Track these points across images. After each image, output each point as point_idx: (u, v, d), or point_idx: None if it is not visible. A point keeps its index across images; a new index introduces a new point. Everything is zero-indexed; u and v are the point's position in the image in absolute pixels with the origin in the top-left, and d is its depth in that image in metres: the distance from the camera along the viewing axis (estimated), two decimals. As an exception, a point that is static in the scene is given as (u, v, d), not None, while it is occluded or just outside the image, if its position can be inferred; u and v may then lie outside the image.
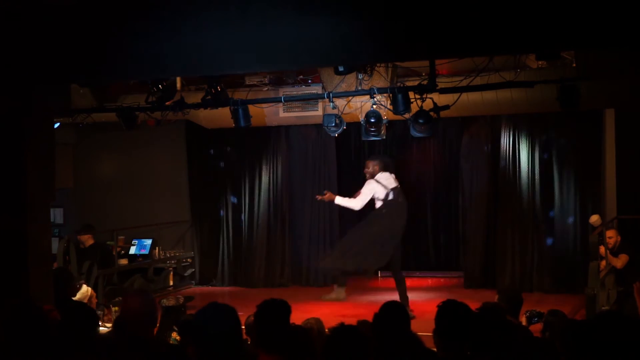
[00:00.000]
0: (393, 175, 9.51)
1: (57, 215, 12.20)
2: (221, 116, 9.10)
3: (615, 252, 8.50)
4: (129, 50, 5.80)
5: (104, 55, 5.83)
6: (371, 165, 9.47)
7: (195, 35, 5.57)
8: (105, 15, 5.77)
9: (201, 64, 5.77)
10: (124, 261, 10.69)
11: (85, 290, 7.34)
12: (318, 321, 4.89)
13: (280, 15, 5.34)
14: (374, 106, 7.92)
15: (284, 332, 3.52)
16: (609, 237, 8.53)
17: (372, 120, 7.96)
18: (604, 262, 8.43)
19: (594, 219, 8.96)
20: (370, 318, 4.25)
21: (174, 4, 5.63)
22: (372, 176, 9.43)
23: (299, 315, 5.63)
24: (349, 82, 8.30)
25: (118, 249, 10.63)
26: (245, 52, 5.50)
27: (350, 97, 8.32)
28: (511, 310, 5.12)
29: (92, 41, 5.80)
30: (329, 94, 8.06)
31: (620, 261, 8.36)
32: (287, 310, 3.61)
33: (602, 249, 8.40)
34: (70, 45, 5.82)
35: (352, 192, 12.75)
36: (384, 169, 9.45)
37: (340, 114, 8.27)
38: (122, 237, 10.96)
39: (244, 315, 4.17)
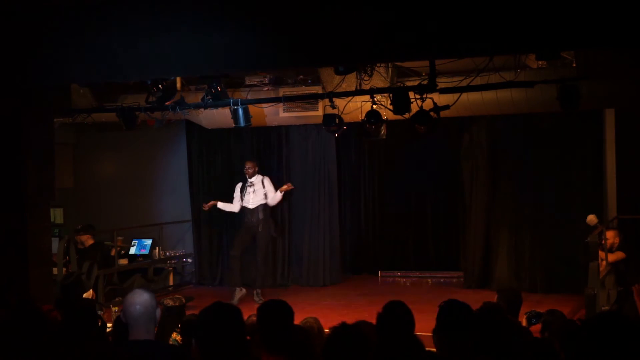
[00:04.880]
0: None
1: (57, 215, 12.20)
2: (221, 116, 9.10)
3: (613, 252, 8.48)
4: (128, 50, 5.80)
5: (104, 55, 5.83)
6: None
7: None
8: (105, 15, 5.77)
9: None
10: (124, 261, 10.68)
11: (84, 290, 7.35)
12: (316, 320, 4.90)
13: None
14: (374, 106, 7.92)
15: (288, 333, 3.52)
16: (606, 239, 8.51)
17: (372, 120, 7.96)
18: (604, 263, 8.42)
19: (590, 218, 8.94)
20: (369, 319, 4.25)
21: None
22: None
23: (299, 315, 5.64)
24: (349, 82, 8.29)
25: (117, 249, 10.62)
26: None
27: (350, 97, 8.30)
28: (511, 310, 5.12)
29: (92, 41, 5.80)
30: (329, 94, 8.06)
31: (614, 255, 8.28)
32: (290, 312, 3.61)
33: (601, 253, 8.38)
34: (70, 45, 5.82)
35: (352, 192, 12.76)
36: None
37: (340, 114, 8.27)
38: (120, 237, 10.96)
39: (245, 314, 4.16)
